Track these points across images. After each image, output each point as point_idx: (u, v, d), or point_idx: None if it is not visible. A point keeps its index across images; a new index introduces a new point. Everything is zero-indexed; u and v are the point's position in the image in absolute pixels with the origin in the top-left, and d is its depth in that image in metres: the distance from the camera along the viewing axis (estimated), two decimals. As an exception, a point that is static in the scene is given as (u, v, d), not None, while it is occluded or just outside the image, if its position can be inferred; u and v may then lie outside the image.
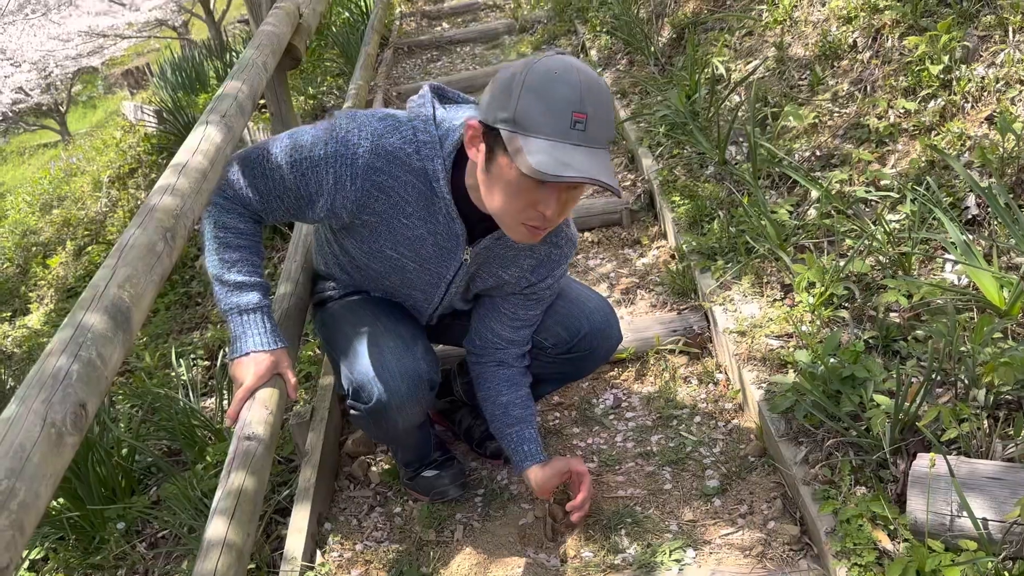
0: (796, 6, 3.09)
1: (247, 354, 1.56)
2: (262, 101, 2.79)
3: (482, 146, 1.38)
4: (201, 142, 1.50)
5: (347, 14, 5.71)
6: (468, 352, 1.89)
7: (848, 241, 2.14)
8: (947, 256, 2.00)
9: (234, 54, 6.34)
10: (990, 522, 1.38)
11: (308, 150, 1.50)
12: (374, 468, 2.16)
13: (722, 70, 3.11)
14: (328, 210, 1.54)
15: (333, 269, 1.86)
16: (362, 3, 5.73)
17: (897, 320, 1.91)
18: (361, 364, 1.64)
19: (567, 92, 1.26)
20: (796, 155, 2.56)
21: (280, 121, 2.44)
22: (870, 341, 1.89)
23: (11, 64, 14.33)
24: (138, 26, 14.68)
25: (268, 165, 1.53)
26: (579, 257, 2.91)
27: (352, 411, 1.75)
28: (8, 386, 3.68)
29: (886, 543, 1.49)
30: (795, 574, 1.63)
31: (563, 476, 1.81)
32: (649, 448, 2.05)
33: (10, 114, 15.91)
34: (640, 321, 2.41)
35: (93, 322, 1.11)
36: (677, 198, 2.69)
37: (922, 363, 1.76)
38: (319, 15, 2.66)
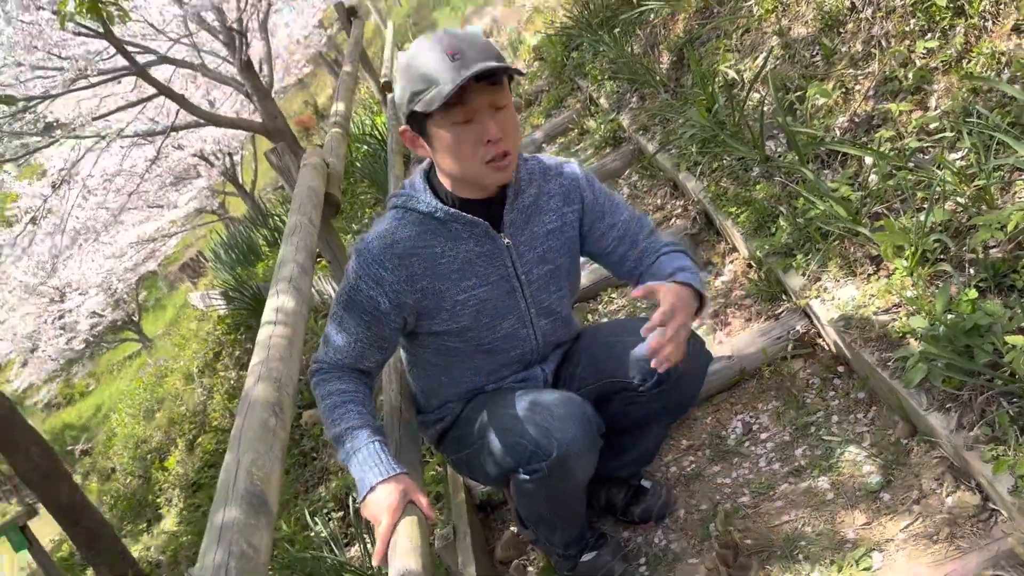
0: (782, -10, 3.09)
1: (372, 489, 1.57)
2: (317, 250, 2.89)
3: (419, 139, 1.60)
4: (277, 313, 1.56)
5: (366, 147, 5.92)
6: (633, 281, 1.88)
7: (919, 194, 2.07)
8: (1026, 175, 1.92)
9: (275, 218, 6.61)
10: None
11: (347, 286, 1.70)
12: (531, 568, 2.13)
13: (732, 74, 3.11)
14: (395, 306, 1.67)
15: (439, 389, 1.87)
16: (376, 132, 5.94)
17: (1000, 255, 1.83)
18: (530, 424, 1.64)
19: (434, 47, 1.48)
20: (836, 130, 2.52)
21: (337, 265, 2.53)
22: (980, 285, 1.81)
23: (79, 294, 15.20)
24: (180, 221, 15.44)
25: (336, 324, 1.72)
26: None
27: (525, 485, 1.70)
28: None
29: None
30: (991, 544, 1.53)
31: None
32: (796, 463, 1.98)
33: (91, 338, 16.79)
34: (740, 339, 2.37)
35: (234, 516, 1.14)
36: (734, 208, 2.66)
37: (1044, 289, 1.67)
38: (343, 158, 2.77)
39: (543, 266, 1.78)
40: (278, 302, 1.59)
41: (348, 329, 1.70)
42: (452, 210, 1.65)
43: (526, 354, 1.84)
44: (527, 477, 1.67)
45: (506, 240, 1.71)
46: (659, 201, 3.35)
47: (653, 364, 1.55)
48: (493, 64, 1.46)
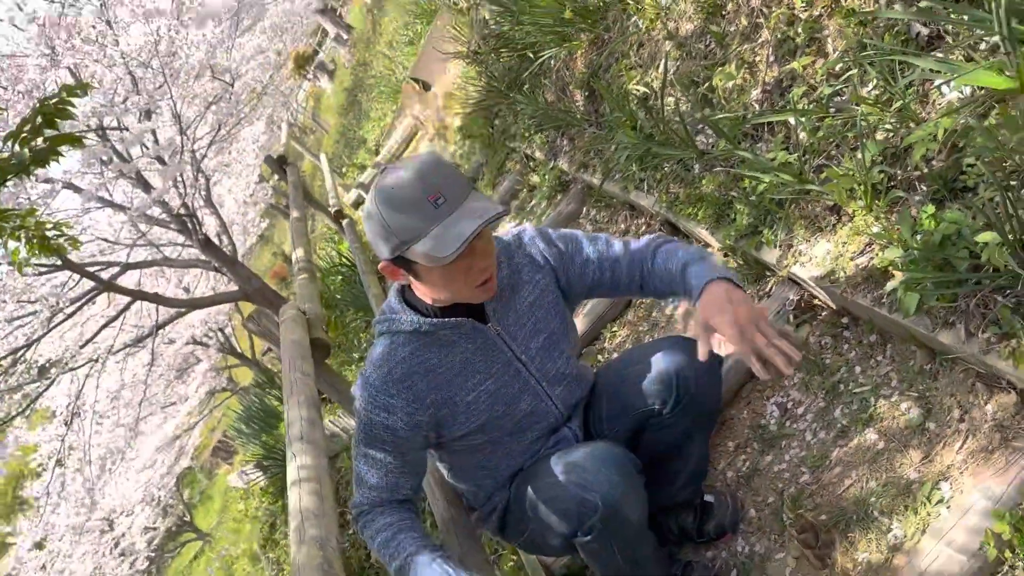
0: (658, -4, 3.21)
1: None
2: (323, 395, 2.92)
3: (401, 271, 1.60)
4: (300, 471, 1.59)
5: (340, 277, 6.02)
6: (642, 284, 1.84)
7: (850, 135, 2.13)
8: (936, 84, 1.98)
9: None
10: None
11: (361, 423, 1.73)
12: (633, 620, 2.11)
13: (642, 88, 3.20)
14: (413, 428, 1.70)
15: (483, 482, 1.90)
16: (344, 260, 6.04)
17: (942, 164, 1.88)
18: (570, 486, 1.66)
19: (411, 191, 1.47)
20: (754, 104, 2.59)
21: (347, 401, 2.56)
22: (935, 197, 1.85)
23: (126, 516, 15.11)
24: (196, 410, 15.47)
25: (362, 462, 1.75)
26: (655, 314, 2.92)
27: (589, 545, 1.69)
28: None
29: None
30: (1046, 434, 1.54)
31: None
32: (839, 425, 1.99)
33: (152, 554, 16.60)
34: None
35: None
36: (690, 209, 2.71)
37: (989, 180, 1.71)
38: (317, 299, 2.83)
39: (538, 338, 1.80)
40: (297, 463, 1.62)
41: (375, 464, 1.74)
42: (436, 320, 1.68)
43: (551, 423, 1.86)
44: (588, 537, 1.68)
45: (495, 329, 1.74)
46: (622, 226, 3.41)
47: (760, 375, 1.46)
48: (489, 218, 1.46)
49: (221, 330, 14.43)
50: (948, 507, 1.63)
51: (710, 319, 1.53)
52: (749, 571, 1.93)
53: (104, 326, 9.04)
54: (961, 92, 1.91)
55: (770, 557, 1.92)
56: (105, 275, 7.83)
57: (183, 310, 8.77)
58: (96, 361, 9.01)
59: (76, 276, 7.55)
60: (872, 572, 1.67)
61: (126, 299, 7.70)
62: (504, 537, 2.01)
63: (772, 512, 1.99)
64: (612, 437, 1.92)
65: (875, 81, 2.11)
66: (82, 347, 9.33)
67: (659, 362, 1.82)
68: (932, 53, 2.00)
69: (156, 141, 7.39)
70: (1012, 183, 1.73)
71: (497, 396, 1.76)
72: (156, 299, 8.01)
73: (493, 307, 1.74)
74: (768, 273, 2.42)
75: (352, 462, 1.79)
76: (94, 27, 7.00)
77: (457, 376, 1.72)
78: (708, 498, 2.08)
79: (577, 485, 1.65)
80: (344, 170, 11.39)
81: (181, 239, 9.12)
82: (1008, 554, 1.49)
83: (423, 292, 1.66)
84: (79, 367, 9.11)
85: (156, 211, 9.00)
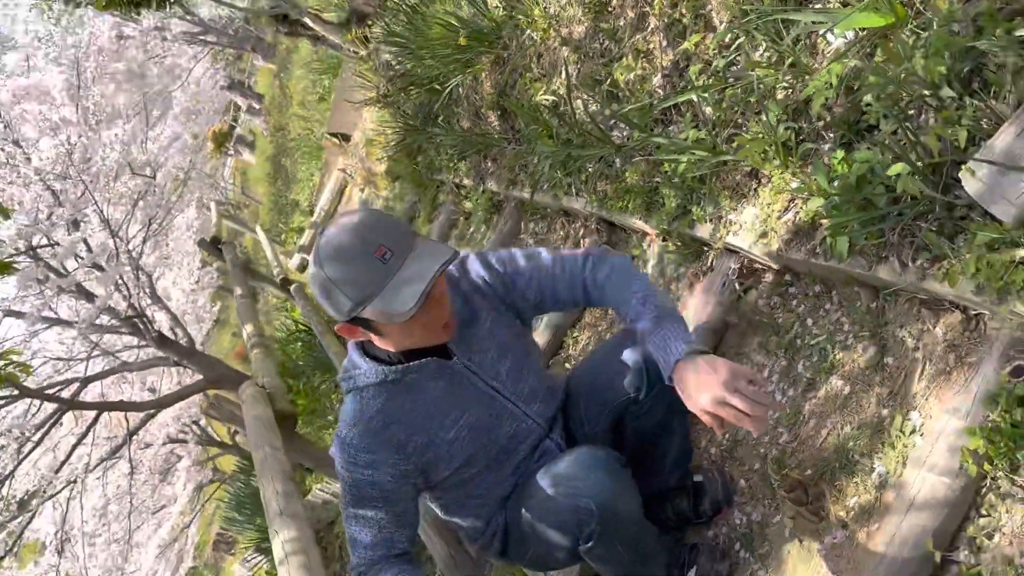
0: (545, 5, 3.26)
1: None
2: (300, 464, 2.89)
3: (359, 330, 1.58)
4: (284, 546, 1.58)
5: (300, 343, 5.97)
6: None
7: (751, 99, 2.18)
8: (821, 33, 2.04)
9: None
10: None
11: (346, 484, 1.71)
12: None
13: (550, 97, 3.24)
14: (400, 478, 1.69)
15: (478, 511, 1.89)
16: (300, 325, 5.99)
17: (841, 108, 1.93)
18: (560, 498, 1.65)
19: (355, 250, 1.46)
20: (657, 91, 2.64)
21: (325, 466, 2.53)
22: (844, 142, 1.90)
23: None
24: (187, 508, 15.13)
25: (352, 524, 1.71)
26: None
27: (594, 551, 1.70)
28: None
29: (1015, 253, 1.46)
30: (994, 344, 1.58)
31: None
32: (805, 379, 2.02)
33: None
34: (694, 309, 2.42)
35: None
36: (620, 203, 2.75)
37: (888, 115, 1.76)
38: (274, 369, 2.80)
39: (505, 361, 1.80)
40: (281, 539, 1.60)
41: (367, 522, 1.71)
42: (400, 367, 1.67)
43: (535, 440, 1.87)
44: (590, 543, 1.68)
45: (460, 362, 1.73)
46: (561, 233, 3.44)
47: (755, 432, 1.46)
48: (441, 265, 1.45)
49: (196, 423, 14.19)
50: (922, 435, 1.66)
51: (688, 405, 1.49)
52: (751, 540, 1.95)
53: (76, 445, 8.82)
54: (845, 37, 1.97)
55: (767, 522, 1.93)
56: (66, 394, 7.65)
57: (152, 411, 8.60)
58: (75, 483, 8.78)
59: (37, 401, 7.38)
60: (865, 514, 1.70)
61: (92, 413, 7.53)
62: (509, 560, 2.00)
63: (760, 478, 2.01)
64: (595, 435, 1.93)
65: (764, 44, 2.17)
66: (57, 471, 9.09)
67: (628, 354, 1.85)
68: (811, 6, 2.06)
69: (89, 249, 7.29)
70: (910, 112, 1.79)
71: (477, 428, 1.76)
72: (122, 406, 7.85)
73: (455, 341, 1.73)
74: (706, 248, 2.46)
75: (344, 525, 1.77)
76: (2, 150, 6.90)
77: (433, 418, 1.71)
78: (697, 478, 2.10)
79: (568, 495, 1.65)
80: (283, 237, 11.33)
81: (136, 341, 8.97)
82: (988, 467, 1.52)
83: (384, 344, 1.65)
84: (59, 492, 8.87)
85: (104, 319, 8.84)
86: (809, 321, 2.08)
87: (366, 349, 1.72)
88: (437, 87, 4.13)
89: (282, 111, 15.48)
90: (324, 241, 1.50)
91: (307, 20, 6.18)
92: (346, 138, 7.32)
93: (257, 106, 18.24)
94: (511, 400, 1.80)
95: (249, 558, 6.37)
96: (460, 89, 3.99)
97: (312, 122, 10.94)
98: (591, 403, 1.93)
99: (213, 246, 6.48)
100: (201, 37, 13.39)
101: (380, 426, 1.68)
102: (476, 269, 1.83)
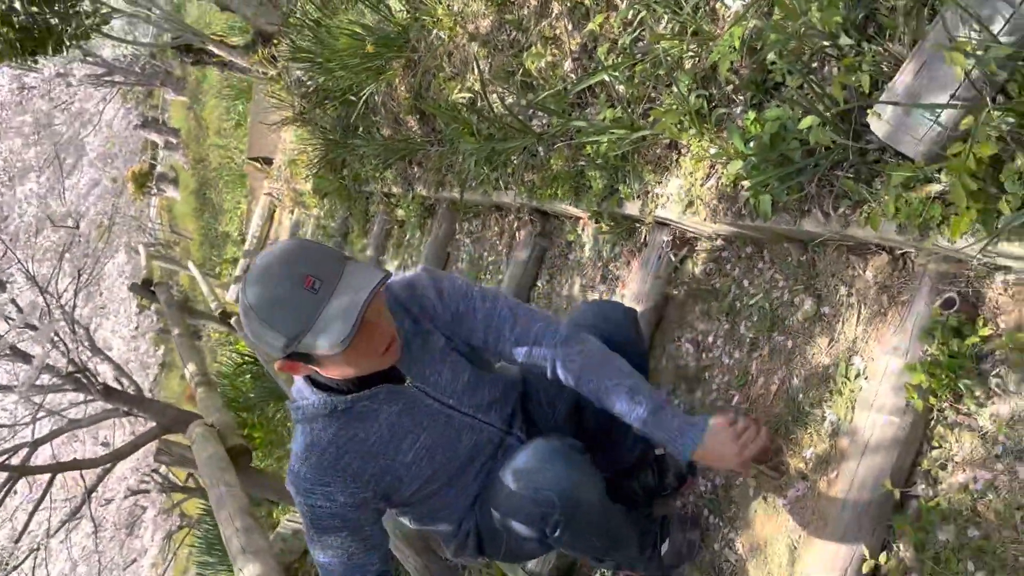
0: (448, 3, 3.25)
1: None
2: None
3: (299, 364, 1.52)
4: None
5: (248, 375, 5.86)
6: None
7: (661, 72, 2.20)
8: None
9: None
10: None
11: (307, 517, 1.67)
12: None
13: (465, 94, 3.23)
14: (360, 506, 1.66)
15: (449, 517, 1.87)
16: (246, 356, 5.88)
17: (747, 70, 1.95)
18: (522, 493, 1.64)
19: (283, 284, 1.39)
20: (570, 75, 2.65)
21: (287, 498, 2.49)
22: (754, 103, 1.93)
23: None
24: (159, 560, 14.79)
25: (320, 553, 1.68)
26: (555, 299, 2.95)
27: (562, 539, 1.68)
28: None
29: (929, 188, 1.49)
30: (922, 279, 1.62)
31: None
32: (749, 339, 2.05)
33: None
34: (635, 283, 2.44)
35: None
36: (548, 191, 2.75)
37: (792, 70, 1.79)
38: (221, 405, 2.74)
39: (459, 379, 1.75)
40: (246, 574, 1.56)
41: (335, 552, 1.67)
42: (351, 396, 1.62)
43: (496, 442, 1.85)
44: (557, 533, 1.67)
45: (413, 385, 1.68)
46: (496, 228, 3.43)
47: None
48: (372, 289, 1.38)
49: (155, 471, 13.87)
50: (866, 378, 1.70)
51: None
52: (718, 505, 1.97)
53: (33, 512, 8.54)
54: (744, 2, 2.00)
55: (731, 485, 1.96)
56: (15, 460, 7.40)
57: (108, 466, 8.37)
58: (38, 550, 8.50)
59: (-14, 475, 7.13)
60: (823, 463, 1.73)
61: (47, 476, 7.30)
62: (486, 556, 1.98)
63: (720, 443, 2.03)
64: (557, 418, 1.93)
65: (665, 16, 2.18)
66: (17, 541, 8.79)
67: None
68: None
69: (19, 309, 7.05)
70: (813, 65, 1.82)
71: (436, 447, 1.72)
72: (76, 465, 7.62)
73: (406, 364, 1.67)
74: (638, 224, 2.47)
75: (312, 556, 1.73)
76: (-89, 220, 6.63)
77: (389, 443, 1.67)
78: (659, 451, 2.11)
79: (530, 490, 1.63)
80: (217, 270, 11.11)
81: (81, 396, 8.71)
82: (933, 400, 1.56)
83: (330, 374, 1.57)
84: (22, 562, 8.57)
85: (45, 378, 8.57)
86: (745, 282, 2.11)
87: (314, 378, 1.65)
88: (352, 98, 4.08)
89: (200, 142, 15.18)
90: (250, 280, 1.43)
91: (211, 47, 6.06)
92: (268, 161, 7.20)
93: (174, 141, 17.85)
94: (469, 414, 1.77)
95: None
96: (376, 97, 3.95)
97: (231, 150, 10.74)
98: (550, 387, 1.92)
99: (146, 289, 6.31)
100: (107, 78, 13.04)
101: (333, 458, 1.63)
102: (428, 293, 1.71)
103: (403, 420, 1.68)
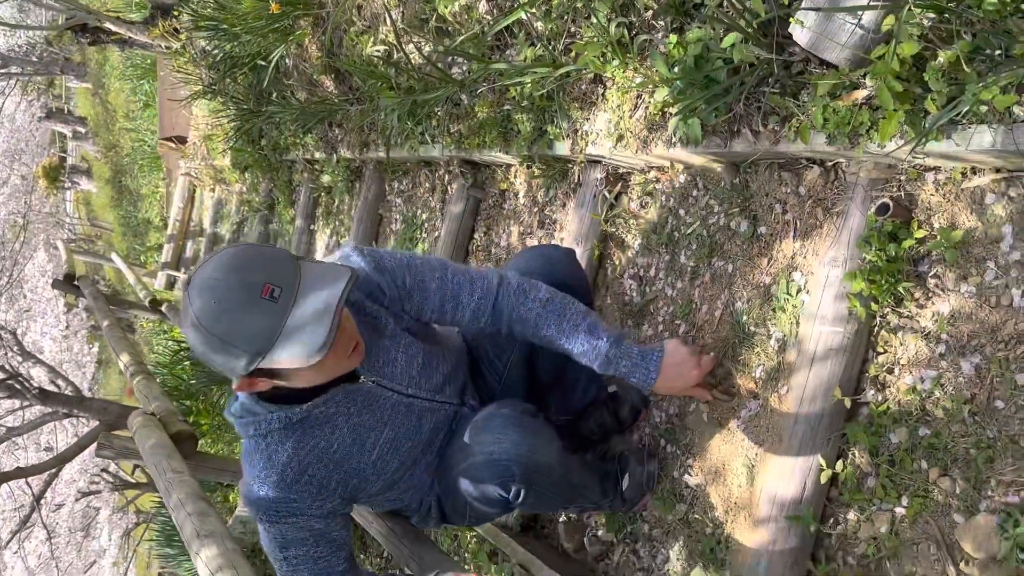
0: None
1: None
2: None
3: (261, 380, 1.40)
4: (208, 564, 1.50)
5: (187, 361, 5.71)
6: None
7: (578, 5, 2.14)
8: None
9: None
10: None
11: (270, 535, 1.59)
12: (600, 532, 2.13)
13: (379, 47, 3.13)
14: (328, 515, 1.61)
15: (412, 496, 1.83)
16: (182, 344, 5.73)
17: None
18: (482, 465, 1.59)
19: (237, 295, 1.26)
20: (486, 17, 2.57)
21: (234, 478, 2.44)
22: (675, 27, 1.89)
23: None
24: (119, 557, 14.59)
25: (285, 566, 1.61)
26: (495, 250, 2.91)
27: (527, 501, 1.64)
28: None
29: (856, 95, 1.49)
30: (855, 188, 1.62)
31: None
32: (689, 268, 2.04)
33: None
34: (572, 226, 2.41)
35: None
36: (476, 139, 2.69)
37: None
38: (160, 393, 2.66)
39: (413, 362, 1.68)
40: (202, 559, 1.51)
41: (301, 560, 1.61)
42: (306, 405, 1.52)
43: (453, 415, 1.80)
44: (520, 499, 1.62)
45: (369, 380, 1.60)
46: (429, 185, 3.36)
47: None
48: (342, 293, 1.28)
49: (104, 470, 13.57)
50: (808, 292, 1.70)
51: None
52: (674, 434, 1.98)
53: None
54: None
55: (685, 413, 1.96)
56: (-50, 476, 7.14)
57: (54, 471, 8.14)
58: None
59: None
60: (773, 380, 1.74)
61: (-14, 489, 7.06)
62: (450, 524, 1.96)
63: (670, 373, 2.03)
64: (509, 372, 1.90)
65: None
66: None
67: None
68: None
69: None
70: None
71: (399, 438, 1.67)
72: (20, 473, 7.38)
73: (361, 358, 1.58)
74: (570, 164, 2.44)
75: (275, 568, 1.64)
76: None
77: (352, 446, 1.60)
78: (612, 389, 2.11)
79: (486, 463, 1.59)
80: (143, 259, 10.76)
81: (17, 403, 8.42)
82: (875, 306, 1.57)
83: (296, 384, 1.46)
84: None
85: (-29, 389, 8.23)
86: (681, 211, 2.09)
87: (261, 394, 1.53)
88: (262, 63, 3.92)
89: (109, 128, 14.56)
90: (195, 294, 1.27)
91: (108, 25, 5.76)
92: (182, 140, 6.94)
93: (83, 130, 17.13)
94: (428, 398, 1.71)
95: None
96: (287, 60, 3.81)
97: (143, 132, 10.32)
98: (498, 342, 1.89)
99: (69, 284, 6.07)
100: (3, 70, 12.38)
101: (296, 474, 1.54)
102: (367, 272, 1.59)
103: (364, 419, 1.60)
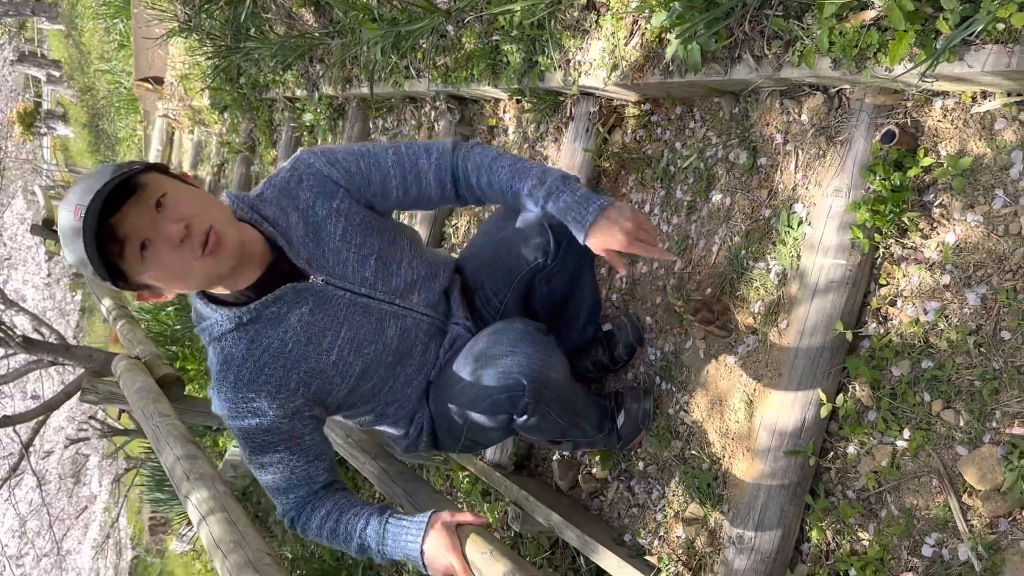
0: None
1: (423, 553, 1.51)
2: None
3: (145, 292, 1.47)
4: (200, 508, 1.46)
5: (170, 308, 5.65)
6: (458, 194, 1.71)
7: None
8: None
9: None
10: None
11: (240, 438, 1.59)
12: (594, 470, 2.12)
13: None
14: (293, 415, 1.58)
15: (399, 415, 1.79)
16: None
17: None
18: (490, 380, 1.59)
19: (66, 219, 1.32)
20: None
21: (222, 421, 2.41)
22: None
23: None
24: (109, 504, 14.72)
25: (263, 473, 1.62)
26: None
27: (528, 422, 1.64)
28: None
29: (864, 15, 1.42)
30: (858, 115, 1.57)
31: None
32: (686, 203, 1.99)
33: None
34: (563, 160, 2.35)
35: None
36: (464, 72, 2.60)
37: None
38: (144, 337, 2.60)
39: (368, 263, 1.64)
40: (193, 501, 1.48)
41: (277, 468, 1.60)
42: (253, 304, 1.52)
43: (432, 329, 1.76)
44: (525, 417, 1.63)
45: (319, 279, 1.57)
46: (415, 122, 3.27)
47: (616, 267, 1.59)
48: (100, 189, 1.29)
49: (92, 417, 13.57)
50: (810, 224, 1.66)
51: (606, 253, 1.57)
52: (670, 371, 1.95)
53: (-33, 475, 8.30)
54: None
55: (681, 350, 1.93)
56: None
57: (41, 418, 8.11)
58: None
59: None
60: (772, 314, 1.70)
61: (-27, 437, 7.03)
62: (442, 449, 1.93)
63: (664, 310, 2.00)
64: (507, 309, 1.86)
65: None
66: (-44, 506, 8.55)
67: (526, 219, 1.75)
68: None
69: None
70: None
71: (359, 340, 1.63)
72: (7, 421, 7.35)
73: (305, 257, 1.57)
74: (562, 97, 2.36)
75: (256, 477, 1.65)
76: None
77: (308, 345, 1.58)
78: (607, 327, 2.08)
79: (496, 375, 1.57)
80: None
81: (1, 352, 8.35)
82: (878, 237, 1.53)
83: (170, 292, 1.48)
84: (-34, 526, 8.38)
85: (-45, 337, 8.15)
86: (678, 145, 2.03)
87: (208, 295, 1.55)
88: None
89: (84, 71, 14.18)
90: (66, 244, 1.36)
91: (77, -41, 5.53)
92: (158, 80, 6.75)
93: (57, 73, 16.70)
94: (386, 300, 1.67)
95: (183, 532, 6.20)
96: (264, -6, 3.67)
97: (118, 73, 10.04)
98: (497, 277, 1.84)
99: (48, 228, 5.95)
100: (-31, 11, 11.99)
101: (252, 372, 1.53)
102: (314, 168, 1.61)
103: (317, 318, 1.58)
